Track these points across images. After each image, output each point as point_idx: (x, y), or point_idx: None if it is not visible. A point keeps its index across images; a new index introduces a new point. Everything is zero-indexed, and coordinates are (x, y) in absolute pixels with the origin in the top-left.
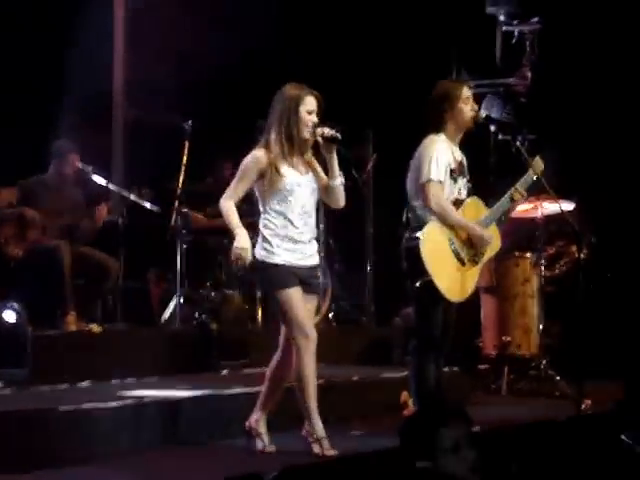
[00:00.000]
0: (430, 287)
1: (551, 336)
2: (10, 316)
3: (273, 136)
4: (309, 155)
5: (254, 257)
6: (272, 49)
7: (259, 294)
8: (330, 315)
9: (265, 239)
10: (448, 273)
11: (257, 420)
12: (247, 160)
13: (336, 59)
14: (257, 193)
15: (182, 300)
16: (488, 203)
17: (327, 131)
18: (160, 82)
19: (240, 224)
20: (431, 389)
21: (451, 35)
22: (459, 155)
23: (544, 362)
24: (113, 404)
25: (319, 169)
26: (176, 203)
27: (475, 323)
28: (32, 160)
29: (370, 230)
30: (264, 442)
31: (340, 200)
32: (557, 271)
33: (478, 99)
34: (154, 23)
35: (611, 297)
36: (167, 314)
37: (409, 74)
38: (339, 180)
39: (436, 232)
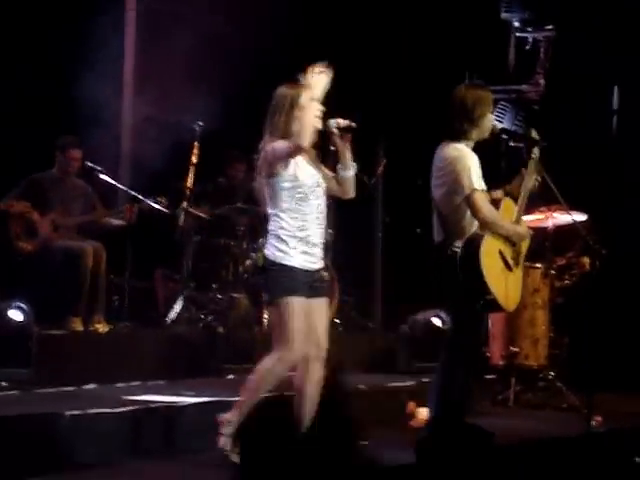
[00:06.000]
0: (490, 304)
1: (560, 347)
2: (16, 315)
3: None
4: (314, 152)
5: (265, 257)
6: (286, 49)
7: (266, 297)
8: (337, 321)
9: (280, 239)
10: (503, 285)
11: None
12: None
13: (348, 65)
14: (269, 191)
15: (188, 301)
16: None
17: (342, 121)
18: (171, 81)
19: None
20: (457, 401)
21: (464, 41)
22: None
23: (552, 373)
24: (118, 409)
25: (322, 166)
26: (184, 203)
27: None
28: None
29: (379, 235)
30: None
31: (352, 191)
32: (567, 282)
33: None
34: (166, 21)
35: (621, 307)
36: (173, 315)
37: (421, 79)
38: (353, 171)
39: (491, 245)
